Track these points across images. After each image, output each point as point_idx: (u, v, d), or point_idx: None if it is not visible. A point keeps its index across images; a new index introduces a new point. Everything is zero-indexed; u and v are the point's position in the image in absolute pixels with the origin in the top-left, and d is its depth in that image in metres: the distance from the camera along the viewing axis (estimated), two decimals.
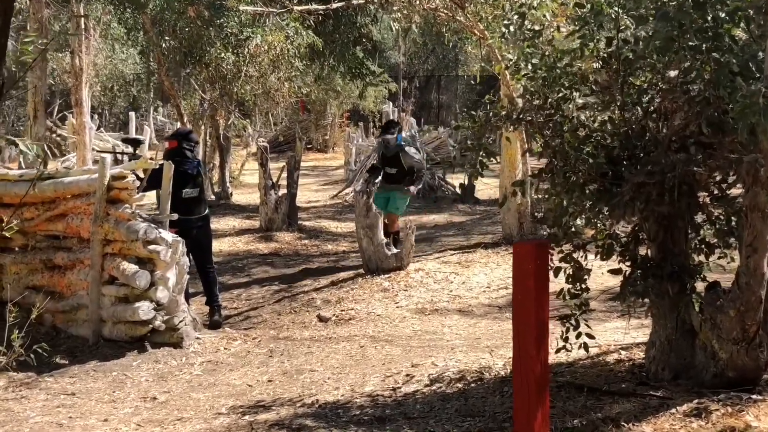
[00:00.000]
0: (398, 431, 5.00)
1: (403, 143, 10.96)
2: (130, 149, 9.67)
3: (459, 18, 9.99)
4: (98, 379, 6.77)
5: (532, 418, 3.86)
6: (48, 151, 10.15)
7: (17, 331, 4.07)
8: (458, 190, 18.57)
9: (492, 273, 10.19)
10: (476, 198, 18.10)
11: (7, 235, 6.26)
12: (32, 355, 4.29)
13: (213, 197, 17.20)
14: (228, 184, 17.80)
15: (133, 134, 25.27)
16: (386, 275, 9.92)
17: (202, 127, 18.90)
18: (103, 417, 5.76)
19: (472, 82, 33.59)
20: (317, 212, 16.63)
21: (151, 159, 8.19)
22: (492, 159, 5.72)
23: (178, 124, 17.86)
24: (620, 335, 6.50)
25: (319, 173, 25.83)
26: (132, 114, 28.19)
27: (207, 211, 8.89)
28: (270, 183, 13.62)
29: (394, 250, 10.13)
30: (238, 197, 18.26)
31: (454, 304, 8.94)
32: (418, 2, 9.76)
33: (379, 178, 10.88)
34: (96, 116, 28.94)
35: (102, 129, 28.91)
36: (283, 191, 13.92)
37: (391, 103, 25.04)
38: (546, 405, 3.96)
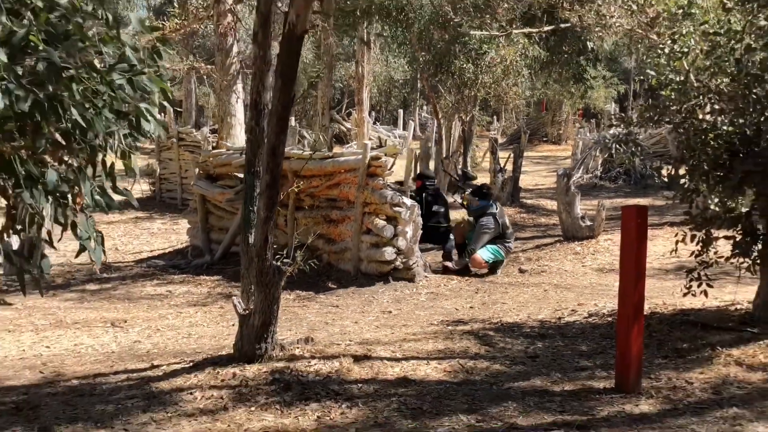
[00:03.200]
0: (552, 344, 6.00)
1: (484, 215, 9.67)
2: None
3: (652, 36, 10.46)
4: (355, 298, 8.31)
5: (630, 331, 4.72)
6: (324, 138, 11.94)
7: (299, 252, 5.51)
8: (666, 179, 18.53)
9: (670, 245, 10.61)
10: (681, 186, 17.99)
11: (296, 190, 7.91)
12: (308, 269, 5.73)
13: (456, 178, 18.52)
14: (469, 169, 19.01)
15: (401, 130, 27.13)
16: (579, 242, 10.72)
17: (455, 122, 20.27)
18: (354, 320, 7.23)
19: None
20: (540, 193, 17.47)
21: (397, 146, 9.58)
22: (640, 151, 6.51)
23: (436, 121, 19.30)
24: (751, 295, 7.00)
25: (549, 162, 26.44)
26: (401, 111, 30.19)
27: (446, 219, 10.44)
28: (498, 167, 14.73)
29: (588, 223, 10.89)
30: (478, 179, 19.44)
31: None
32: (617, 25, 10.34)
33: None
34: (373, 112, 31.33)
35: (378, 123, 31.18)
36: (509, 174, 14.95)
37: (614, 104, 25.02)
38: (641, 323, 4.78)
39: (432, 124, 19.52)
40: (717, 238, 6.15)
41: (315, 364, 5.20)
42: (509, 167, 15.23)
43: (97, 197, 2.28)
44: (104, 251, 2.36)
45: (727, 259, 5.93)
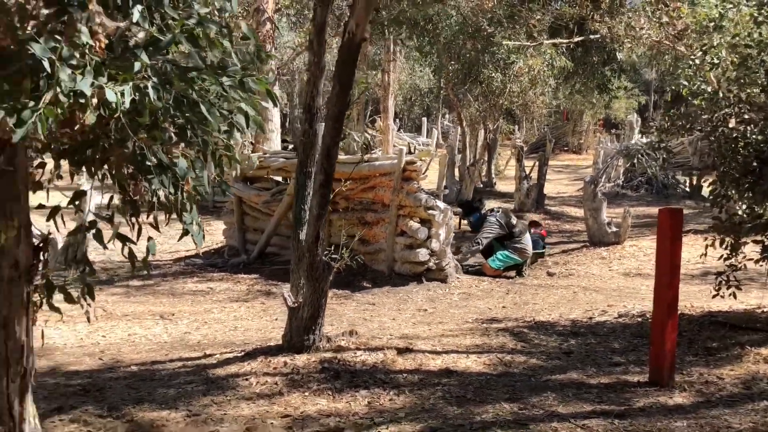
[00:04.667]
0: (585, 341, 6.19)
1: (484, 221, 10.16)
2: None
3: (679, 48, 10.62)
4: (390, 297, 8.53)
5: (664, 327, 4.92)
6: (371, 143, 12.13)
7: (345, 250, 5.75)
8: (688, 188, 18.62)
9: (695, 252, 10.74)
10: (703, 196, 18.07)
11: (343, 189, 8.16)
12: (355, 264, 6.03)
13: (481, 185, 18.74)
14: (493, 176, 19.23)
15: (424, 138, 27.30)
16: (605, 247, 10.88)
17: (481, 132, 20.45)
18: (391, 317, 7.46)
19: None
20: (563, 200, 17.62)
21: (431, 151, 9.77)
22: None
23: (460, 129, 19.49)
24: None
25: (571, 171, 26.53)
26: (424, 119, 30.40)
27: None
28: (523, 174, 14.90)
29: (614, 229, 11.06)
30: (501, 186, 19.65)
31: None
32: (645, 36, 10.52)
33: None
34: (397, 120, 31.54)
35: (401, 130, 31.39)
36: (534, 182, 15.13)
37: (636, 114, 25.15)
38: (675, 319, 4.99)
39: (454, 132, 19.73)
40: (745, 243, 6.31)
41: (361, 355, 5.43)
42: (534, 175, 15.39)
43: (210, 186, 2.54)
44: (204, 237, 2.60)
45: (756, 261, 6.10)
